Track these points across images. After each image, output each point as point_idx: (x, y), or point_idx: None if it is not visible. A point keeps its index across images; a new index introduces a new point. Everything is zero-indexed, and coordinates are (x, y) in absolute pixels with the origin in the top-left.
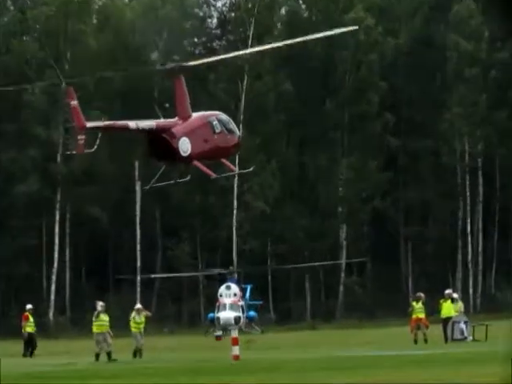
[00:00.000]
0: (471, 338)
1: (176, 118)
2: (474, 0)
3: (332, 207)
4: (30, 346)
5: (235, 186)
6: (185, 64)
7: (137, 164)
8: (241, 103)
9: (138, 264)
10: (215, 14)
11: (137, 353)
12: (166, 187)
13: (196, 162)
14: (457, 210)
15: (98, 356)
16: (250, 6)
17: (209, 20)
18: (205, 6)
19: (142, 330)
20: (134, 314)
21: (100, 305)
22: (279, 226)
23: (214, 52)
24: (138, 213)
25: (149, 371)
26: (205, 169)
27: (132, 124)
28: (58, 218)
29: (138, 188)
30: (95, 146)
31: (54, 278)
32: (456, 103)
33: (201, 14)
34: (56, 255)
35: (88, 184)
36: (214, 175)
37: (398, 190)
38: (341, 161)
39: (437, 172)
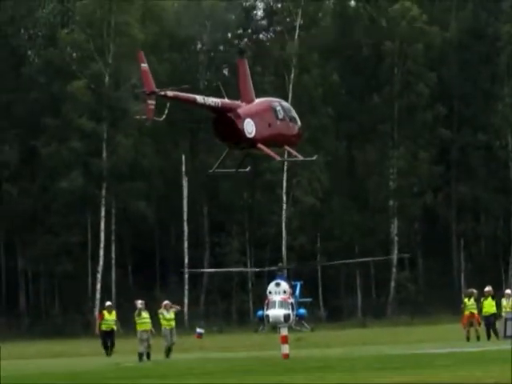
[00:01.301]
0: None
1: (239, 101)
2: None
3: (382, 201)
4: (107, 344)
5: (284, 180)
6: (244, 47)
7: (183, 158)
8: (288, 96)
9: (186, 261)
10: (261, 5)
11: (168, 351)
12: (214, 182)
13: (260, 145)
14: (509, 205)
15: (141, 355)
16: None
17: (254, 11)
18: None
19: (174, 327)
20: (162, 310)
21: (140, 303)
22: (328, 221)
23: (260, 43)
24: (185, 208)
25: (196, 371)
26: (270, 151)
27: (199, 98)
28: (103, 214)
29: (184, 183)
30: (164, 116)
31: (99, 276)
32: (508, 96)
33: (246, 4)
34: (102, 252)
35: (133, 179)
36: (278, 158)
37: (449, 185)
38: (391, 154)
39: (489, 166)
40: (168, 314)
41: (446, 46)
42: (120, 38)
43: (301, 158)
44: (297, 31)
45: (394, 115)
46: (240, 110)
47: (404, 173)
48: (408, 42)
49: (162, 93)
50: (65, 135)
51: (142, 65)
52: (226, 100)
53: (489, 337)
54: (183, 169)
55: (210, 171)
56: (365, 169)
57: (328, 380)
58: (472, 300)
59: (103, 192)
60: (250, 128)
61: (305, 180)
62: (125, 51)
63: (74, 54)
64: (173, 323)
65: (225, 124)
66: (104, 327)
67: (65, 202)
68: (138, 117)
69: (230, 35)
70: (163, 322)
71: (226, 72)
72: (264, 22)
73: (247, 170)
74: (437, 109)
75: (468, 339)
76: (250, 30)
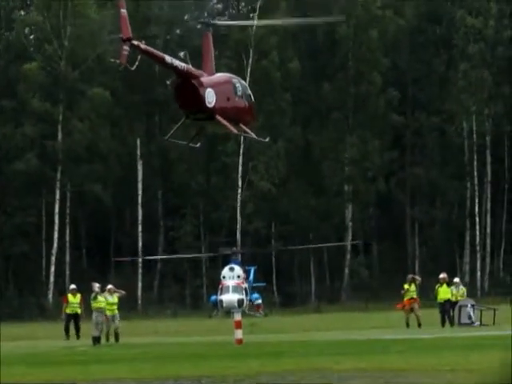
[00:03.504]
0: (478, 322)
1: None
2: None
3: (338, 186)
4: (70, 328)
5: (240, 164)
6: (213, 21)
7: (138, 142)
8: (246, 80)
9: (140, 244)
10: None
11: (109, 336)
12: (169, 166)
13: (219, 117)
14: (464, 190)
15: (95, 339)
16: None
17: None
18: None
19: (116, 311)
20: (105, 294)
21: (97, 286)
22: (284, 205)
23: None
24: (140, 192)
25: (150, 355)
26: (227, 124)
27: (168, 58)
28: (58, 196)
29: (139, 167)
30: (134, 66)
31: (53, 258)
32: (461, 80)
33: None
34: (56, 235)
35: (89, 162)
36: (235, 131)
37: (404, 170)
38: (346, 140)
39: (444, 151)
40: (111, 298)
41: (400, 31)
42: (76, 20)
43: (254, 136)
44: (256, 13)
45: (348, 102)
46: (203, 79)
47: (357, 160)
48: (363, 29)
49: (136, 43)
50: (20, 118)
51: (122, 10)
52: (191, 67)
53: (443, 323)
54: (138, 152)
55: (165, 137)
56: (320, 154)
57: (282, 366)
58: (413, 286)
59: (58, 174)
60: (210, 98)
61: (261, 165)
62: (81, 33)
63: (32, 36)
64: (115, 307)
65: (187, 90)
66: (68, 310)
67: (19, 184)
68: (112, 60)
69: (186, 17)
70: (106, 306)
71: (181, 55)
72: (219, 6)
73: (197, 145)
74: (389, 93)
75: (408, 325)
76: (205, 14)
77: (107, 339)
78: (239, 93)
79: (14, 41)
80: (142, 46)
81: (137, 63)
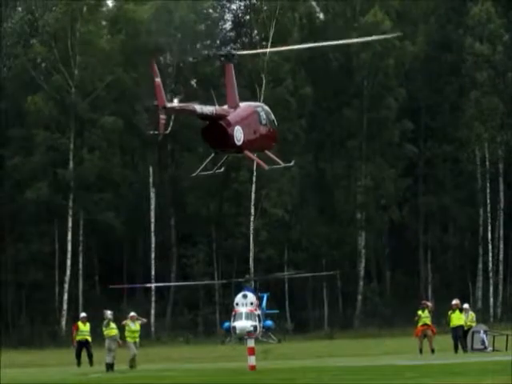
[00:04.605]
0: (491, 348)
1: (226, 106)
2: (492, 2)
3: (350, 214)
4: (82, 355)
5: (252, 192)
6: (234, 52)
7: (151, 170)
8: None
9: (153, 272)
10: (229, 17)
11: (132, 362)
12: (182, 194)
13: (247, 153)
14: (477, 217)
15: (109, 366)
16: (267, 8)
17: (221, 23)
18: (219, 8)
19: (138, 339)
20: (128, 321)
21: (109, 313)
22: (297, 233)
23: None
24: (152, 220)
25: (164, 382)
26: (258, 160)
27: (198, 108)
28: (70, 224)
29: (152, 195)
30: (169, 128)
31: (66, 286)
32: (471, 108)
33: (215, 15)
34: (69, 263)
35: (102, 190)
36: (266, 167)
37: (417, 197)
38: (359, 167)
39: (456, 178)
40: (134, 326)
41: (413, 59)
42: (85, 48)
43: (281, 163)
44: (269, 42)
45: (362, 129)
46: (230, 118)
47: (371, 187)
48: (380, 56)
49: (169, 105)
50: (30, 147)
51: (156, 79)
52: (217, 107)
53: (456, 349)
54: (151, 180)
55: (193, 174)
56: (333, 181)
57: None
58: (426, 312)
59: (70, 203)
60: (239, 135)
61: (274, 192)
62: (90, 61)
63: (43, 65)
64: (137, 335)
65: (216, 131)
66: (79, 338)
67: (32, 213)
68: (151, 132)
69: (198, 46)
70: (128, 334)
71: (193, 83)
72: (232, 34)
73: (222, 170)
74: (404, 124)
75: (421, 351)
76: (218, 42)
77: (131, 366)
78: (264, 121)
79: (19, 71)
80: (177, 106)
81: (171, 124)
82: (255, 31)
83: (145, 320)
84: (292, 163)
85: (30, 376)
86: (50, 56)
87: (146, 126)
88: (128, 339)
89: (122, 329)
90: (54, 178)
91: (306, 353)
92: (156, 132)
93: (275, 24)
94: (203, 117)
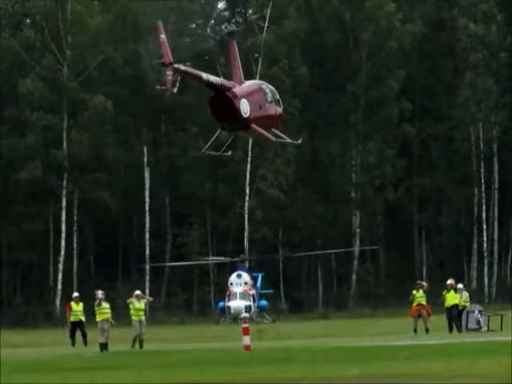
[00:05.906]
0: (486, 328)
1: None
2: None
3: (345, 194)
4: (76, 335)
5: (247, 172)
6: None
7: (145, 149)
8: None
9: (147, 252)
10: None
11: (135, 342)
12: (176, 174)
13: (254, 126)
14: (472, 197)
15: (102, 346)
16: None
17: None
18: None
19: (143, 318)
20: (132, 299)
21: (100, 293)
22: (292, 213)
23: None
24: (147, 199)
25: (156, 362)
26: (264, 132)
27: (204, 75)
28: (64, 204)
29: (147, 174)
30: (176, 88)
31: (60, 266)
32: (466, 90)
33: None
34: (63, 243)
35: (96, 170)
36: (272, 138)
37: (411, 178)
38: (355, 146)
39: (451, 158)
40: (138, 304)
41: (412, 40)
42: (76, 28)
43: (288, 139)
44: (266, 21)
45: (359, 109)
46: (236, 90)
47: (369, 167)
48: (383, 37)
49: (177, 66)
50: (24, 128)
51: (161, 36)
52: (224, 80)
53: (451, 329)
54: (145, 160)
55: (200, 152)
56: (328, 161)
57: (289, 372)
58: (421, 292)
59: (64, 182)
60: (245, 108)
61: (270, 173)
62: (82, 41)
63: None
64: (142, 313)
65: (223, 103)
66: (72, 318)
67: (25, 193)
68: (158, 87)
69: (194, 26)
70: (132, 312)
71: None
72: (226, 13)
73: (229, 153)
74: (403, 104)
75: (415, 331)
76: (212, 21)
77: (133, 345)
78: (269, 99)
79: (11, 52)
80: (182, 67)
81: (177, 85)
82: (250, 10)
83: (151, 298)
84: (300, 141)
85: (20, 356)
86: (40, 38)
87: (152, 83)
88: (133, 317)
89: (122, 307)
90: (47, 159)
91: (301, 333)
92: (164, 87)
93: (273, 3)
94: (209, 84)
